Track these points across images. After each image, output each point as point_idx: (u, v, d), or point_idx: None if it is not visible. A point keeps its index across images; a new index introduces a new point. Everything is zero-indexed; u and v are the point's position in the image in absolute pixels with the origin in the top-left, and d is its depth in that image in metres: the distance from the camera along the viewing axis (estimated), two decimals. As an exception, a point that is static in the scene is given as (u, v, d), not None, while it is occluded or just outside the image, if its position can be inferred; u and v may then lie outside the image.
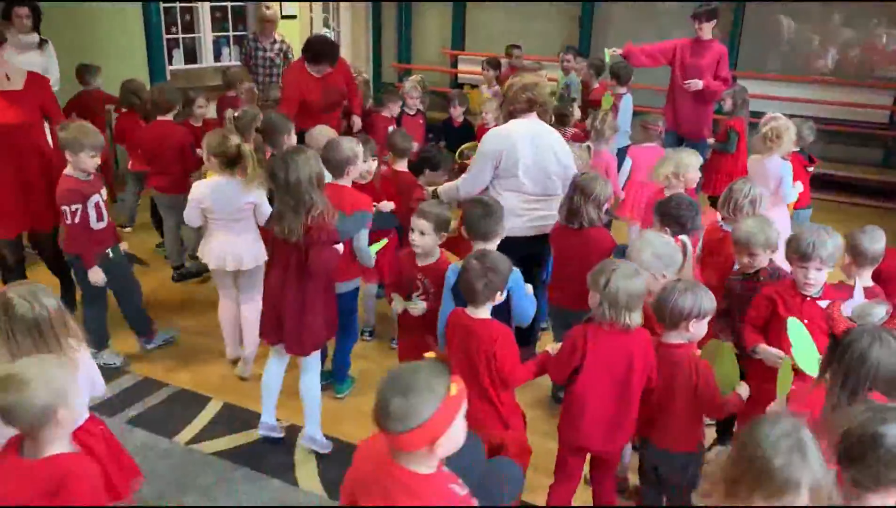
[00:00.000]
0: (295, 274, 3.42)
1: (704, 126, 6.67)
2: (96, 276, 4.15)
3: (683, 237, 3.42)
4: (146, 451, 3.67)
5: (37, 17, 6.02)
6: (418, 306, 3.46)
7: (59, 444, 2.10)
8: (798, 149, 5.36)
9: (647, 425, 2.91)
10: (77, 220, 4.05)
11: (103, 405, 4.01)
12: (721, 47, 6.71)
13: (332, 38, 6.15)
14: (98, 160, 4.11)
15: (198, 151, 4.98)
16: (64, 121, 4.49)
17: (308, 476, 3.54)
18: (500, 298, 2.97)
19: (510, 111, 4.01)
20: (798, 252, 3.04)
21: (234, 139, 4.15)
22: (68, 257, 4.34)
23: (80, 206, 4.04)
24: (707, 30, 6.60)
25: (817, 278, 3.05)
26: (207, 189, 4.14)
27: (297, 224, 3.30)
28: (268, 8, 7.70)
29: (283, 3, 9.27)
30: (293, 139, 4.62)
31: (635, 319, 2.71)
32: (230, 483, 3.45)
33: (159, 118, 5.39)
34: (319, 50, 5.77)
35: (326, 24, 11.05)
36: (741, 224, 3.35)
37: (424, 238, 3.39)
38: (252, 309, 4.12)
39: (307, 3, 9.99)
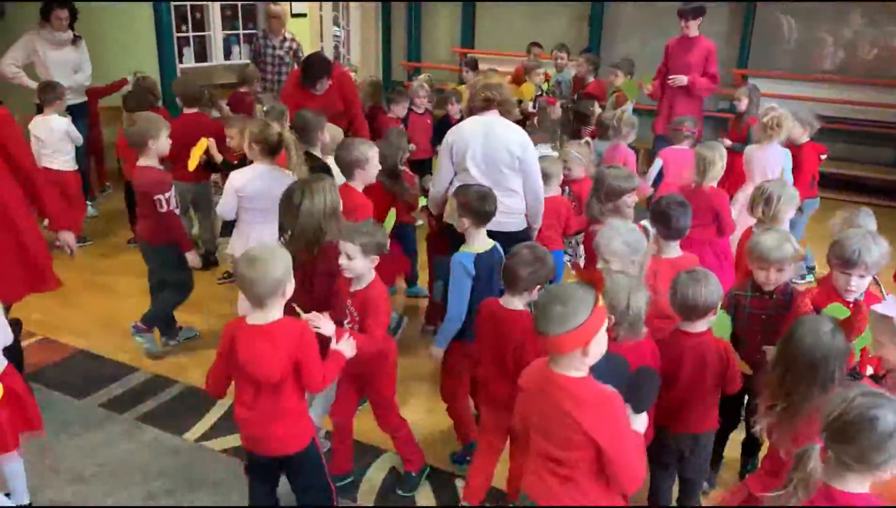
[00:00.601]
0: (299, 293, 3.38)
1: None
2: (196, 258, 4.31)
3: (645, 222, 3.35)
4: (156, 448, 3.69)
5: (73, 17, 6.37)
6: (348, 348, 2.88)
7: (279, 313, 2.61)
8: (809, 138, 5.43)
9: (670, 415, 2.87)
10: (171, 206, 4.17)
11: (113, 402, 4.06)
12: (708, 43, 6.76)
13: (324, 55, 6.13)
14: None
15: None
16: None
17: (316, 473, 3.55)
18: (535, 294, 2.94)
19: (470, 108, 4.08)
20: (842, 258, 2.94)
21: (276, 127, 4.15)
22: (158, 247, 4.34)
23: (171, 193, 4.16)
24: (693, 27, 6.70)
25: (859, 285, 2.97)
26: (247, 178, 4.09)
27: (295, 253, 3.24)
28: (275, 4, 7.70)
29: (292, 1, 9.30)
30: (326, 136, 4.66)
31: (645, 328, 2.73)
32: (240, 481, 3.45)
33: (187, 110, 5.49)
34: (306, 68, 5.66)
35: (336, 23, 11.07)
36: (762, 240, 3.18)
37: (352, 262, 3.07)
38: None
39: (317, 3, 10.00)
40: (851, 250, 2.92)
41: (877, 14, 8.60)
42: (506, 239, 3.52)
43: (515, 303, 2.96)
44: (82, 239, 6.07)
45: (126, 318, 4.64)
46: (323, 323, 2.84)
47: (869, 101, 8.37)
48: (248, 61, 7.81)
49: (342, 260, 3.10)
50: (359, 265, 3.08)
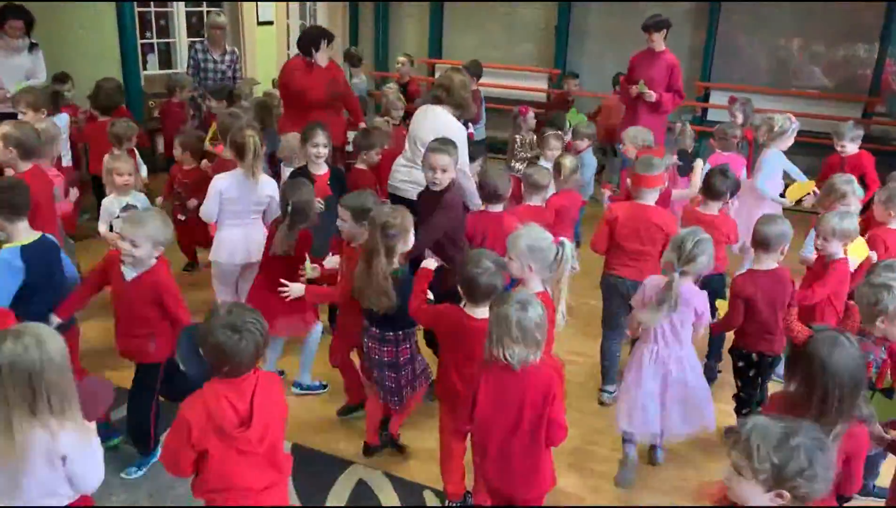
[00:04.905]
0: None
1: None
2: None
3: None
4: (117, 461, 3.62)
5: (29, 25, 6.24)
6: None
7: None
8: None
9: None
10: None
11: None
12: (672, 58, 6.82)
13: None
14: None
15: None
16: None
17: (283, 487, 3.51)
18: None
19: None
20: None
21: (248, 130, 4.19)
22: None
23: None
24: (658, 40, 6.77)
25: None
26: (232, 179, 4.19)
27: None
28: (219, 14, 7.57)
29: (258, 9, 9.27)
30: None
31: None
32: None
33: (103, 118, 5.48)
34: (314, 35, 5.97)
35: (303, 31, 11.04)
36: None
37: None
38: None
39: (283, 11, 9.96)
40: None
41: (835, 29, 8.85)
42: (408, 205, 3.87)
43: (481, 313, 2.96)
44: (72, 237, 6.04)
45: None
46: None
47: (827, 114, 8.55)
48: (179, 71, 7.61)
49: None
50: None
